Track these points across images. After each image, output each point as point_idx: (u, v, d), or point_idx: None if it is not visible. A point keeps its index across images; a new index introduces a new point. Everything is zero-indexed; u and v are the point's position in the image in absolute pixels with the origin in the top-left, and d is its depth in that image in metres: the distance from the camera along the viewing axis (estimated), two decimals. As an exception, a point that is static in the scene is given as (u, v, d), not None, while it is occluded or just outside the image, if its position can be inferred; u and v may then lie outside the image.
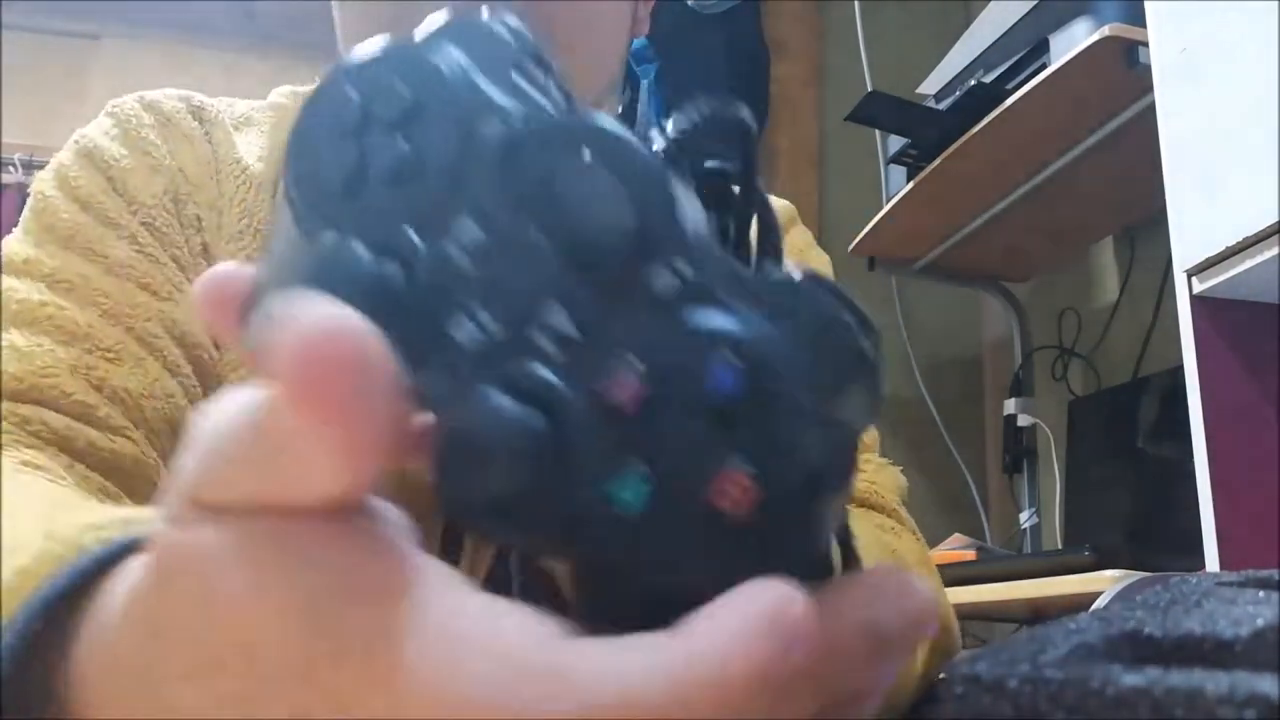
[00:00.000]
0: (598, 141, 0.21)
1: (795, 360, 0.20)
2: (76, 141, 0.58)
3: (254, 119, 0.64)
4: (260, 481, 0.20)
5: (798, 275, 0.22)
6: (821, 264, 0.70)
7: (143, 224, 0.56)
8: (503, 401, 0.20)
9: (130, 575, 0.22)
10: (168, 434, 0.51)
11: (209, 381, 0.55)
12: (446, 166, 0.22)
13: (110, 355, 0.50)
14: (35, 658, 0.24)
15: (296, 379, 0.18)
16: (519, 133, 0.22)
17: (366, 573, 0.19)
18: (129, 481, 0.48)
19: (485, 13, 0.24)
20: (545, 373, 0.21)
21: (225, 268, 0.24)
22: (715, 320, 0.20)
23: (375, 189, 0.23)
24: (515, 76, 0.23)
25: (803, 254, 0.69)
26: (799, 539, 0.21)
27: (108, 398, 0.49)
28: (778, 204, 0.72)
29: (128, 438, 0.49)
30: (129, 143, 0.58)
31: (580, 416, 0.20)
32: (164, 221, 0.57)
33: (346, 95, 0.23)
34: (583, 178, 0.21)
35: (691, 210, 0.22)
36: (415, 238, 0.22)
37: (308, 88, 0.68)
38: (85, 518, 0.27)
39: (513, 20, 0.24)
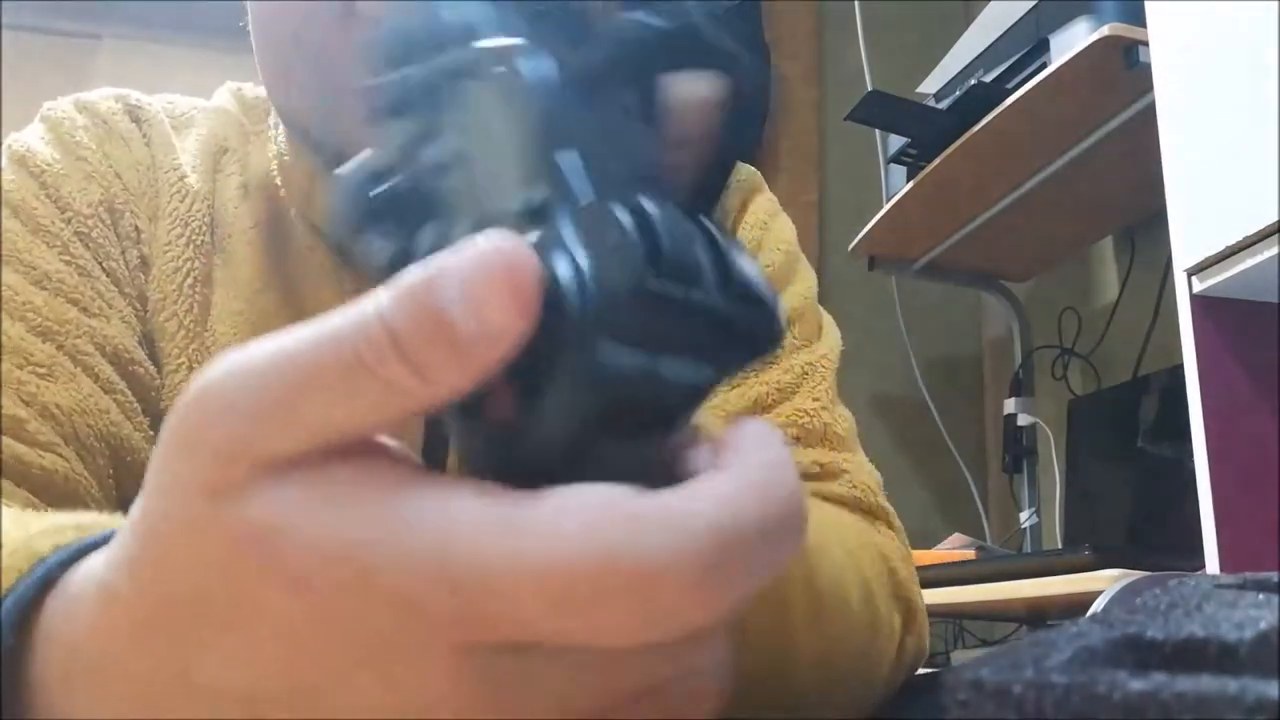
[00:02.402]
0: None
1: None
2: (10, 146, 0.57)
3: (195, 119, 0.63)
4: (348, 408, 0.19)
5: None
6: (785, 233, 0.69)
7: (76, 233, 0.54)
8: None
9: (101, 576, 0.22)
10: (102, 451, 0.50)
11: (148, 397, 0.54)
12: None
13: (41, 370, 0.49)
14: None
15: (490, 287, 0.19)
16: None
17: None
18: (58, 500, 0.47)
19: None
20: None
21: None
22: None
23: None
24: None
25: (766, 224, 0.68)
26: None
27: (38, 413, 0.48)
28: (741, 170, 0.70)
29: (58, 454, 0.47)
30: (62, 147, 0.57)
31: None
32: (99, 233, 0.55)
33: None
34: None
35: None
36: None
37: (251, 86, 0.67)
38: (35, 524, 0.26)
39: None
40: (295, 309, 0.58)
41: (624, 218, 0.20)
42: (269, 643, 0.20)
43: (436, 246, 0.22)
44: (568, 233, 0.21)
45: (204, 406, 0.20)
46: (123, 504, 0.38)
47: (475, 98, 0.25)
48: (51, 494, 0.47)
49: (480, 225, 0.22)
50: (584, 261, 0.20)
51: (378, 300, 0.19)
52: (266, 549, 0.19)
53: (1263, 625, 0.20)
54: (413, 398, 0.19)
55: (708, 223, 0.22)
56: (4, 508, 0.32)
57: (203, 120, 0.63)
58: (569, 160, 0.22)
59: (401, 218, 0.25)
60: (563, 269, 0.20)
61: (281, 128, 0.59)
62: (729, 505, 0.19)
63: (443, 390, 0.19)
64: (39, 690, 0.23)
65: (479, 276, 0.19)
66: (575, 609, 0.18)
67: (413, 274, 0.19)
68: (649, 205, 0.21)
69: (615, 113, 0.24)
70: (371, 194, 0.25)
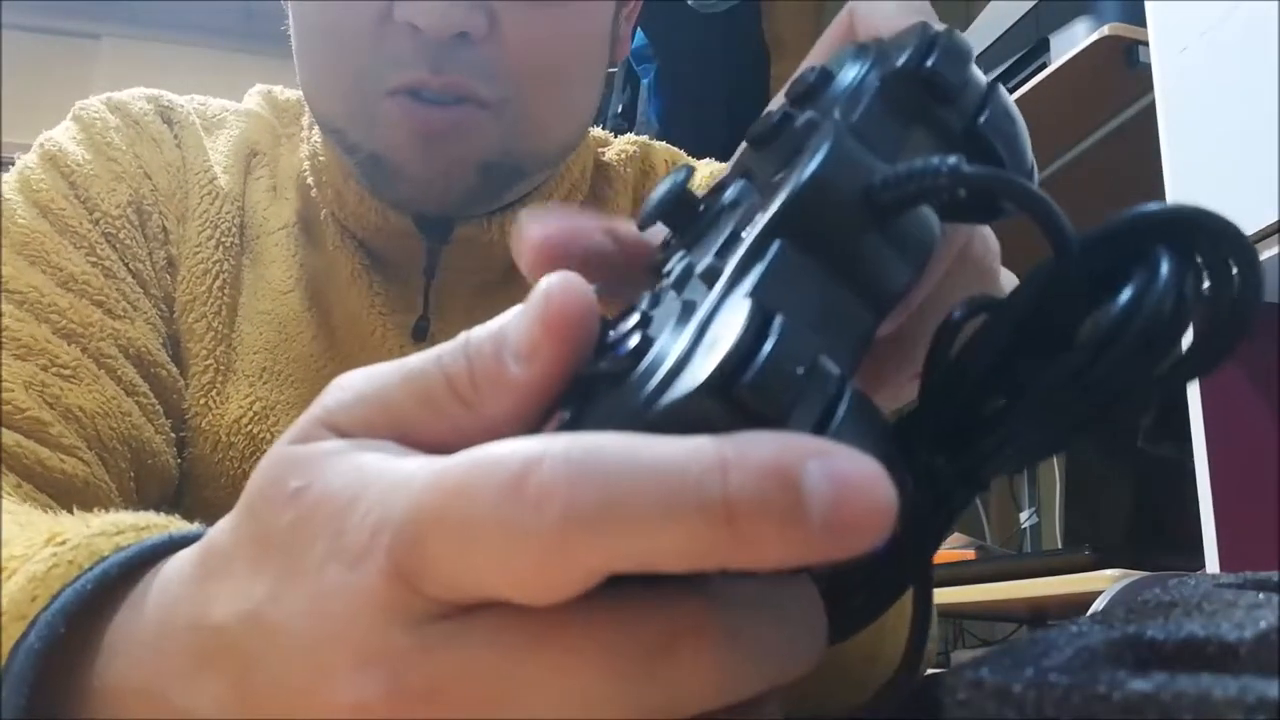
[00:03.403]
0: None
1: None
2: (41, 144, 0.57)
3: (227, 121, 0.63)
4: (415, 419, 0.21)
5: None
6: None
7: (104, 234, 0.54)
8: None
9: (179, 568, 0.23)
10: (124, 454, 0.50)
11: (170, 399, 0.54)
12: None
13: (65, 373, 0.49)
14: (54, 662, 0.24)
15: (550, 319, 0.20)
16: None
17: None
18: (78, 504, 0.47)
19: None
20: None
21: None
22: None
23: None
24: None
25: None
26: None
27: (61, 415, 0.48)
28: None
29: (79, 458, 0.47)
30: (93, 147, 0.57)
31: None
32: (127, 234, 0.55)
33: None
34: None
35: None
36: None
37: (281, 89, 0.67)
38: (95, 523, 0.27)
39: None
40: (322, 309, 0.58)
41: (745, 328, 0.19)
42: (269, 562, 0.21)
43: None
44: (689, 318, 0.20)
45: (336, 384, 0.23)
46: (143, 508, 0.39)
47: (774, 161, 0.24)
48: (71, 498, 0.46)
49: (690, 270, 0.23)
50: (658, 344, 0.20)
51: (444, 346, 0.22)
52: (287, 466, 0.21)
53: (1263, 625, 0.20)
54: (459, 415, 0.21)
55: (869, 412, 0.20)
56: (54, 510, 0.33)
57: (234, 122, 0.63)
58: (778, 262, 0.21)
59: (680, 228, 0.26)
60: (633, 341, 0.20)
61: (316, 129, 0.59)
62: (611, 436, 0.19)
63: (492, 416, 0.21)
64: (134, 665, 0.23)
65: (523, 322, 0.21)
66: (457, 521, 0.18)
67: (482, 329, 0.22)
68: (784, 339, 0.19)
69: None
70: (681, 195, 0.26)
